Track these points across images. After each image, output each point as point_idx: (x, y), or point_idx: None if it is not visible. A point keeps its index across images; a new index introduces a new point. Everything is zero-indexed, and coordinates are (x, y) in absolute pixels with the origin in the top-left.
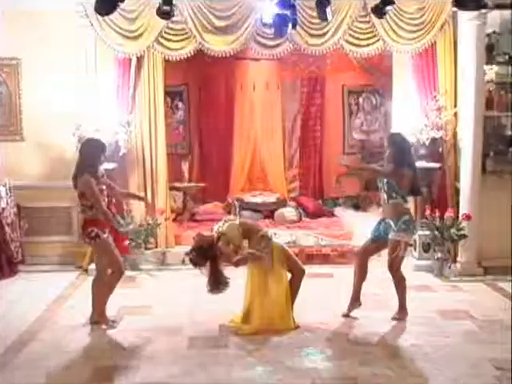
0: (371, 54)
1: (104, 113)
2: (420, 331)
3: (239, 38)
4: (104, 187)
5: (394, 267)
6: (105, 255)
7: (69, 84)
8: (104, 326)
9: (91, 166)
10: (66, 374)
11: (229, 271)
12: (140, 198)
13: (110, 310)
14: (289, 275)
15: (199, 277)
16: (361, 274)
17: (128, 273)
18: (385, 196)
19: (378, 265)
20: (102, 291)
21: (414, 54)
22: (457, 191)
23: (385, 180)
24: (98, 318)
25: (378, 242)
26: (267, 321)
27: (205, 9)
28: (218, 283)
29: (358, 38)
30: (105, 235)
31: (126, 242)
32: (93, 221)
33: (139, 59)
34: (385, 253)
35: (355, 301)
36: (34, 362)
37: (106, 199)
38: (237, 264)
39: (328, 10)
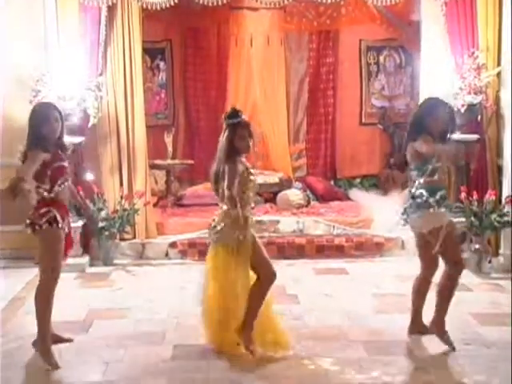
0: (395, 1)
1: (68, 75)
2: (453, 339)
3: None
4: (63, 164)
5: (455, 262)
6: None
7: (24, 41)
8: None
9: (40, 137)
10: None
11: None
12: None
13: (77, 314)
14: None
15: (185, 273)
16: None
17: (100, 268)
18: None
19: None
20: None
21: None
22: (499, 169)
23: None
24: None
25: None
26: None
27: None
28: None
29: None
30: (47, 225)
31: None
32: (46, 204)
33: (111, 8)
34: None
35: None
36: None
37: (67, 182)
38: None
39: None
